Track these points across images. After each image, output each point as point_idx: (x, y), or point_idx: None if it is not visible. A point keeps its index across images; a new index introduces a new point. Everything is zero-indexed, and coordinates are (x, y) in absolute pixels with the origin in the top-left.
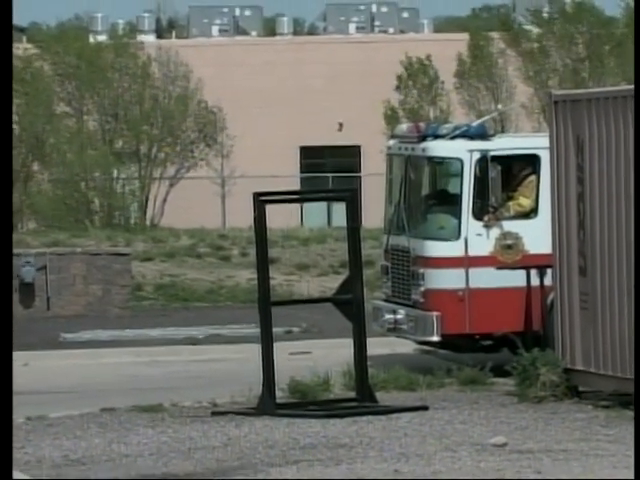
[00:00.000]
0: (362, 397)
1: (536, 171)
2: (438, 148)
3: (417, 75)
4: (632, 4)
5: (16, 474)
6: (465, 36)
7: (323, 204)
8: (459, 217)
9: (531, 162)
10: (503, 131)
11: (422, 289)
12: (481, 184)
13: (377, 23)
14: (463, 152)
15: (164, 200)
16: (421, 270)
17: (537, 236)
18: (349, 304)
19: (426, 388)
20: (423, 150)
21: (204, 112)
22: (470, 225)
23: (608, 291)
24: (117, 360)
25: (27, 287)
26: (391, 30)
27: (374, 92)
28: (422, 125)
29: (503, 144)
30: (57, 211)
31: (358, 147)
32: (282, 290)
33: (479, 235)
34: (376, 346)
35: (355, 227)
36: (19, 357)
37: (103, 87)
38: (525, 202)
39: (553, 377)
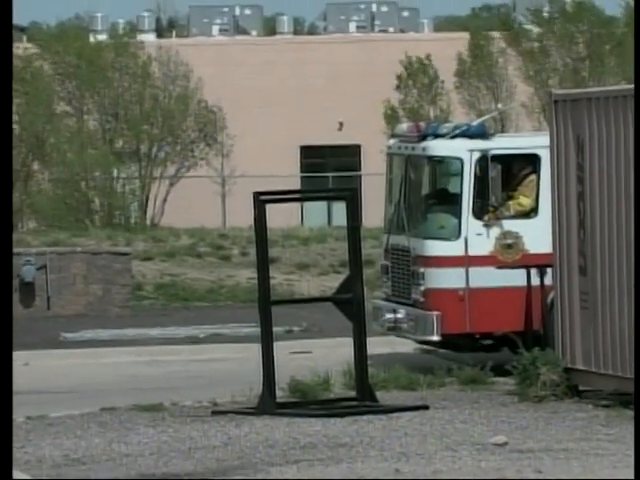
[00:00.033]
0: (362, 396)
1: (536, 170)
2: (438, 147)
3: (417, 75)
4: (632, 3)
5: (16, 474)
6: (465, 35)
7: (323, 203)
8: (459, 216)
9: (531, 161)
10: (503, 130)
11: (422, 288)
12: (481, 183)
13: (377, 22)
14: (463, 151)
15: (164, 200)
16: (421, 269)
17: (537, 235)
18: (349, 303)
19: (426, 387)
20: (423, 149)
21: (204, 112)
22: (470, 224)
23: (608, 290)
24: (117, 360)
25: (27, 286)
26: (391, 29)
27: (374, 91)
28: (422, 124)
29: (503, 143)
30: (57, 210)
31: (358, 146)
32: (282, 289)
33: (479, 234)
34: (376, 345)
35: (355, 226)
36: (19, 357)
37: (103, 86)
38: (525, 201)
39: (553, 376)
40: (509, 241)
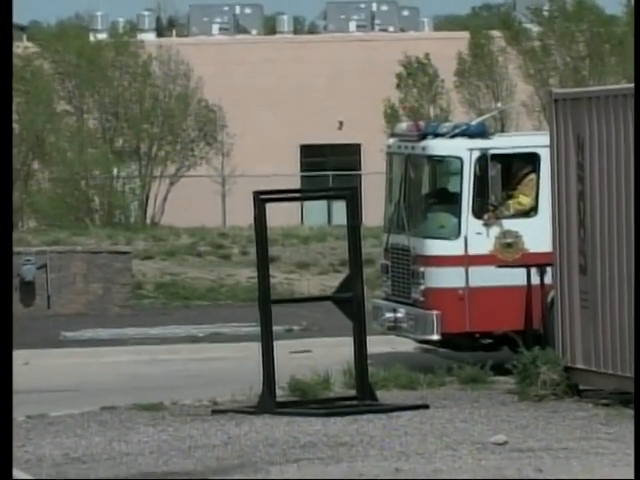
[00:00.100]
0: (362, 395)
1: (536, 170)
2: (438, 147)
3: (416, 74)
4: (632, 2)
5: (16, 473)
6: (465, 34)
7: (323, 202)
8: (459, 216)
9: (531, 161)
10: (503, 130)
11: (422, 288)
12: (481, 183)
13: (377, 22)
14: (463, 151)
15: (164, 199)
16: (421, 269)
17: (537, 234)
18: (349, 302)
19: (426, 387)
20: (423, 149)
21: (204, 111)
22: (470, 224)
23: (608, 290)
24: (117, 359)
25: (27, 286)
26: (391, 29)
27: (374, 91)
28: (422, 124)
29: (503, 143)
30: (57, 210)
31: (358, 145)
32: (282, 288)
33: (479, 234)
34: (376, 344)
35: (355, 225)
36: (19, 356)
37: (103, 85)
38: (525, 200)
39: (553, 375)
40: (509, 240)
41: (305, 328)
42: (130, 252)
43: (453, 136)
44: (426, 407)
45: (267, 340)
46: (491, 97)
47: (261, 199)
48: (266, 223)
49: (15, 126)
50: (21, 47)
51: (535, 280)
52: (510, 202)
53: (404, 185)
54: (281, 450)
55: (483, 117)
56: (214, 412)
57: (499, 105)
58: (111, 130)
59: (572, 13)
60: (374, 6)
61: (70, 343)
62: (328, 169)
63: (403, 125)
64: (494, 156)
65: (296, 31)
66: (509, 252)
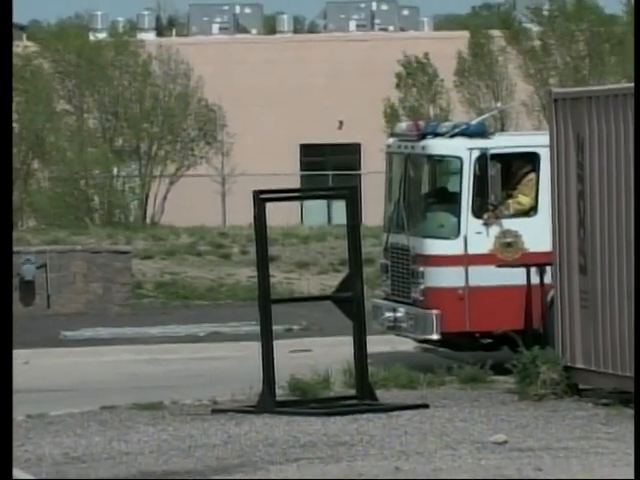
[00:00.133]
0: (362, 395)
1: (536, 169)
2: (437, 146)
3: (416, 74)
4: (632, 2)
5: (16, 472)
6: (465, 34)
7: (323, 202)
8: (459, 215)
9: (531, 160)
10: (503, 129)
11: (422, 287)
12: (481, 182)
13: (377, 21)
14: (463, 150)
15: (164, 198)
16: (421, 268)
17: (537, 234)
18: (349, 302)
19: (426, 386)
20: (423, 148)
21: (204, 110)
22: (470, 223)
23: (608, 289)
24: (117, 358)
25: (27, 285)
26: (391, 28)
27: (374, 90)
28: (421, 123)
29: (503, 142)
30: (57, 209)
31: (358, 145)
32: (282, 288)
33: (479, 233)
34: (376, 344)
35: (355, 225)
36: (19, 355)
37: (103, 85)
38: (525, 200)
39: (553, 375)
40: (509, 240)
41: (305, 327)
42: (130, 251)
43: (453, 136)
44: (426, 406)
45: (267, 339)
46: (491, 97)
47: (261, 198)
48: (266, 222)
49: (15, 125)
50: (21, 46)
51: (535, 280)
52: (510, 202)
53: (404, 185)
54: (281, 449)
55: (483, 117)
56: (214, 411)
57: (499, 105)
58: (111, 129)
59: (572, 13)
60: (374, 5)
61: (70, 342)
62: (328, 169)
63: (403, 125)
64: (494, 156)
65: (296, 31)
66: (509, 252)
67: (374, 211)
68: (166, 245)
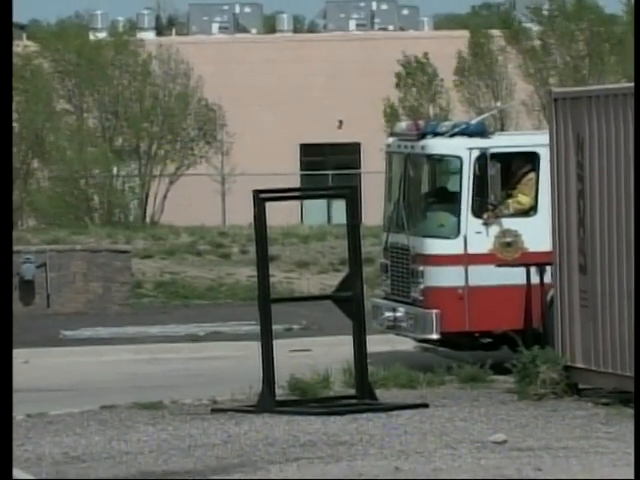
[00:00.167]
0: (362, 394)
1: (535, 169)
2: (437, 146)
3: (415, 73)
4: (632, 1)
5: (16, 472)
6: (465, 33)
7: (323, 201)
8: (458, 215)
9: (530, 160)
10: (503, 129)
11: (421, 287)
12: (480, 182)
13: (377, 20)
14: (462, 150)
15: (164, 197)
16: (420, 268)
17: (536, 234)
18: (349, 301)
19: (426, 386)
20: (422, 148)
21: (204, 110)
22: (469, 223)
23: (608, 289)
24: (117, 358)
25: (27, 284)
26: (391, 27)
27: (374, 89)
28: (421, 123)
29: (502, 142)
30: (57, 208)
31: (358, 145)
32: (282, 288)
33: (478, 233)
34: (376, 344)
35: (355, 224)
36: (19, 354)
37: (103, 84)
38: (524, 200)
39: (553, 375)
40: (508, 239)
41: (305, 327)
42: (130, 251)
43: (452, 135)
44: (426, 406)
45: (267, 339)
46: (491, 96)
47: (261, 198)
48: (266, 222)
49: (15, 125)
50: (21, 46)
51: (535, 279)
52: (509, 201)
53: (403, 184)
54: (281, 449)
55: (483, 116)
56: (214, 411)
57: (499, 104)
58: (111, 129)
59: (572, 12)
60: (374, 5)
61: (70, 342)
62: (328, 168)
63: (403, 124)
64: (493, 155)
65: (296, 30)
66: (508, 251)
67: (374, 211)
68: (166, 245)
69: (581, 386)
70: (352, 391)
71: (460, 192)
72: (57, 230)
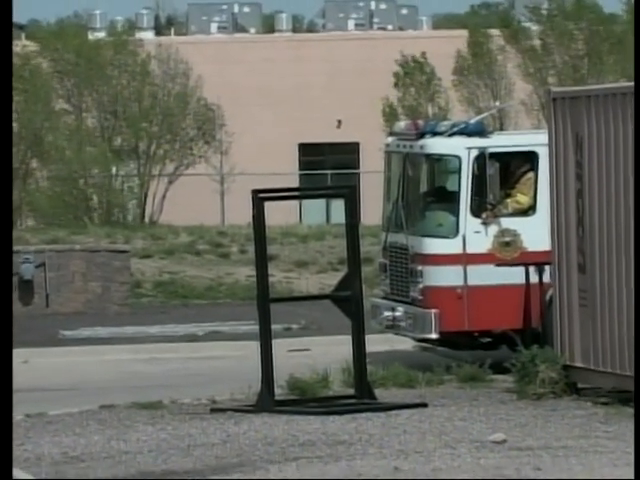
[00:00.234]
0: (361, 394)
1: (534, 168)
2: (436, 145)
3: (413, 73)
4: (632, 1)
5: (15, 472)
6: (464, 33)
7: (322, 201)
8: (457, 214)
9: (529, 159)
10: (502, 128)
11: (420, 286)
12: (479, 181)
13: (376, 20)
14: (461, 149)
15: (163, 197)
16: (419, 267)
17: (535, 233)
18: (348, 301)
19: (425, 385)
20: (421, 147)
21: (203, 109)
22: (468, 222)
23: (607, 288)
24: (116, 357)
25: (26, 284)
26: (390, 27)
27: (373, 89)
28: (420, 122)
29: (501, 141)
30: (56, 208)
31: (357, 144)
32: (281, 287)
33: (477, 232)
34: (375, 343)
35: (354, 224)
36: (18, 354)
37: (102, 84)
38: (523, 199)
39: (552, 374)
40: (507, 239)
41: (304, 327)
42: (129, 251)
43: (451, 135)
44: (425, 405)
45: (266, 339)
46: (490, 96)
47: (260, 198)
48: (265, 222)
49: (14, 125)
50: (20, 46)
51: (534, 279)
52: (508, 201)
53: (402, 184)
54: (280, 449)
55: (481, 116)
56: (213, 410)
57: (498, 104)
58: (110, 129)
59: (571, 12)
60: (373, 4)
61: (69, 342)
62: (327, 168)
63: (401, 124)
64: (492, 155)
65: (295, 30)
66: (507, 251)
67: (373, 210)
68: (165, 244)
69: (580, 385)
70: (351, 391)
71: (459, 191)
72: (56, 230)
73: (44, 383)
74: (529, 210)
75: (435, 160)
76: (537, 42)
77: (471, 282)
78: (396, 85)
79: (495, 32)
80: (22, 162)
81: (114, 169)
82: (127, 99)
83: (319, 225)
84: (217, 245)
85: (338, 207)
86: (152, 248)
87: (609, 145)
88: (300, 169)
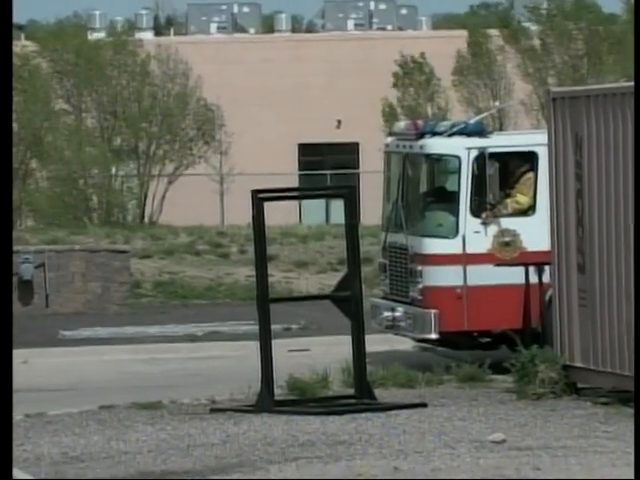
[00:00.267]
0: (361, 394)
1: (534, 168)
2: (436, 145)
3: (413, 73)
4: (632, 0)
5: (15, 472)
6: (463, 33)
7: (321, 201)
8: (457, 214)
9: (529, 159)
10: (502, 128)
11: (420, 286)
12: (479, 181)
13: (375, 20)
14: (461, 149)
15: (163, 197)
16: (419, 267)
17: (535, 233)
18: (347, 301)
19: (425, 385)
20: (421, 147)
21: (203, 109)
22: (468, 222)
23: (607, 288)
24: (116, 357)
25: (26, 284)
26: (389, 27)
27: (372, 89)
28: (420, 122)
29: (501, 141)
30: (56, 208)
31: (356, 144)
32: (281, 287)
33: (477, 232)
34: (374, 343)
35: (353, 224)
36: (18, 355)
37: (102, 84)
38: (523, 199)
39: (552, 374)
40: (507, 239)
41: (303, 327)
42: (128, 251)
43: (451, 135)
44: (424, 405)
45: (265, 339)
46: (489, 96)
47: (259, 198)
48: (264, 222)
49: (13, 125)
50: (19, 46)
51: (533, 279)
52: (508, 201)
53: (402, 184)
54: (280, 449)
55: (481, 116)
56: (212, 411)
57: (497, 104)
58: (109, 129)
59: (570, 11)
60: (372, 5)
61: (68, 342)
62: (326, 168)
63: (401, 124)
64: (492, 155)
65: (294, 30)
66: (507, 251)
67: (372, 210)
68: (164, 244)
69: (580, 385)
70: (351, 391)
71: (459, 192)
72: (56, 230)
73: (44, 383)
74: (529, 210)
75: (435, 160)
76: (537, 42)
77: (471, 282)
78: (395, 85)
79: (494, 32)
80: (22, 162)
81: (114, 169)
82: (127, 99)
83: (319, 225)
84: (217, 245)
85: (338, 207)
86: (152, 248)
87: (609, 145)
88: (300, 169)
